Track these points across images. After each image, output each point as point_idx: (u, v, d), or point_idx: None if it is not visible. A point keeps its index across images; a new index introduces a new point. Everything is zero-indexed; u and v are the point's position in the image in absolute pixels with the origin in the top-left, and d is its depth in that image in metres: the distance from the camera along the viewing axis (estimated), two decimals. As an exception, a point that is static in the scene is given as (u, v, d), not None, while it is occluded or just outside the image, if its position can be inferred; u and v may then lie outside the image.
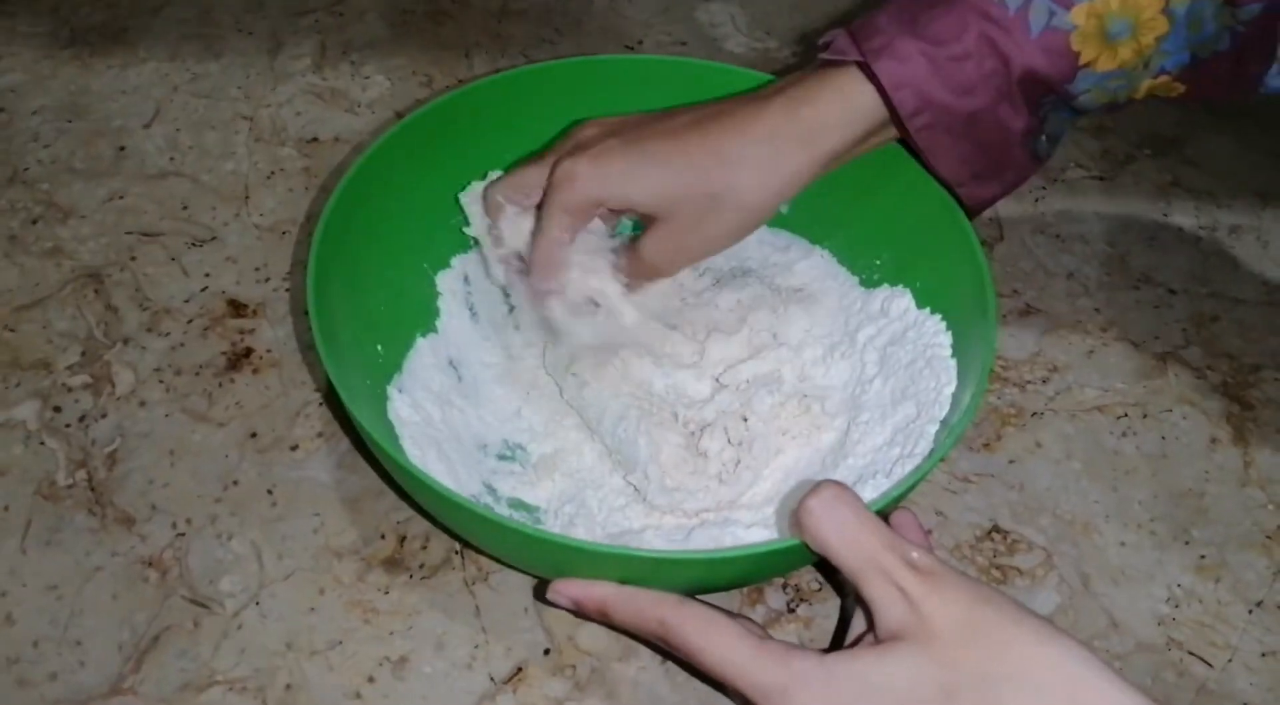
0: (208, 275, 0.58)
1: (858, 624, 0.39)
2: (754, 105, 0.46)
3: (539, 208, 0.49)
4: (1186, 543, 0.50)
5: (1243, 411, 0.55)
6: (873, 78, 0.44)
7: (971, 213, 0.49)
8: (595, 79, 0.55)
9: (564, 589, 0.41)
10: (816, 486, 0.38)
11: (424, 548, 0.48)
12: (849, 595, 0.43)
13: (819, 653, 0.36)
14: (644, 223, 0.48)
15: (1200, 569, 0.50)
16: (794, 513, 0.38)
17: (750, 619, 0.43)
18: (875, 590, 0.36)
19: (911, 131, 0.45)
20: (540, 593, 0.45)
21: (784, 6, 0.77)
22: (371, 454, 0.50)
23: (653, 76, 0.55)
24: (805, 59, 0.73)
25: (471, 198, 0.53)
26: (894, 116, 0.45)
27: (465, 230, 0.54)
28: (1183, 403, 0.56)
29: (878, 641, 0.36)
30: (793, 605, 0.47)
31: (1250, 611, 0.48)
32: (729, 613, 0.40)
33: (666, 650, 0.40)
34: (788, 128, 0.45)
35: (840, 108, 0.45)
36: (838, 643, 0.44)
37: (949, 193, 0.49)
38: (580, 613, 0.42)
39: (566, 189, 0.47)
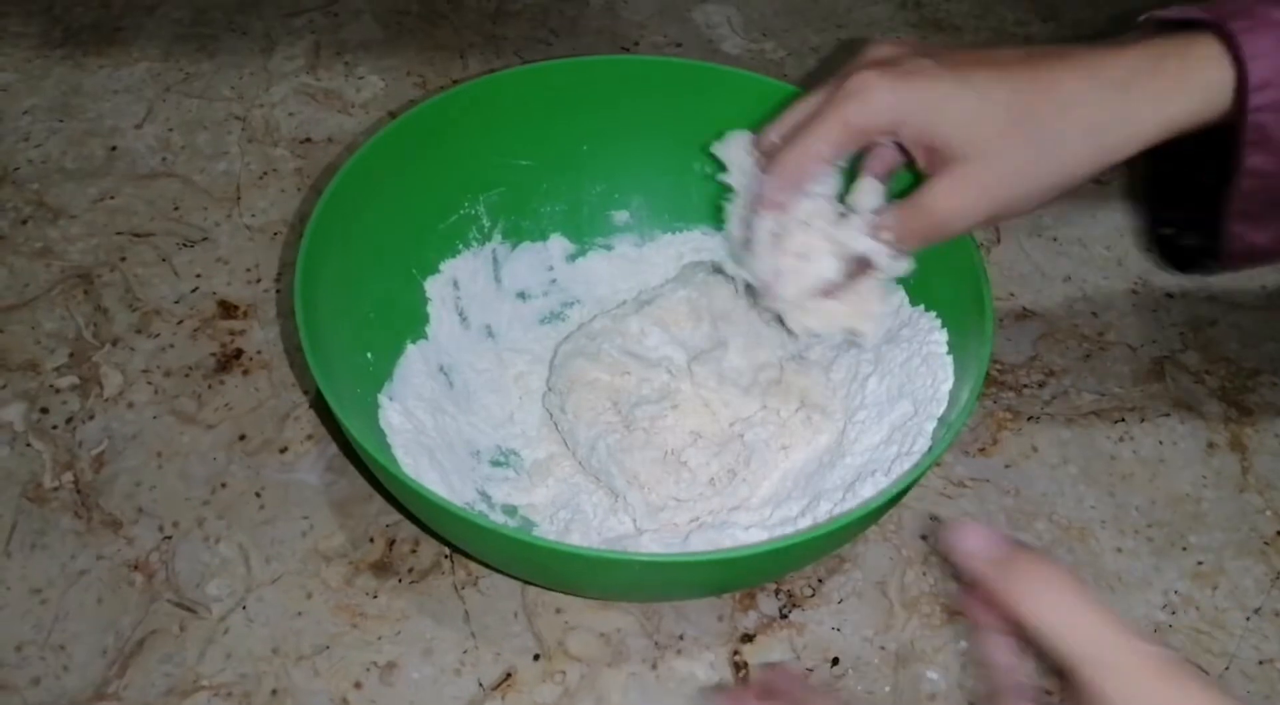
0: (198, 276, 0.58)
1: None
2: (1102, 50, 0.39)
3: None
4: (1184, 549, 0.50)
5: (1240, 416, 0.55)
6: (1231, 47, 0.38)
7: (1227, 264, 0.43)
8: (590, 80, 0.55)
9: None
10: (1026, 560, 0.29)
11: (413, 552, 0.48)
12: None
13: None
14: (927, 169, 0.42)
15: (1197, 575, 0.49)
16: (995, 580, 0.29)
17: None
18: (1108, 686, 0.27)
19: (1249, 109, 0.38)
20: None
21: (780, 8, 0.77)
22: (360, 458, 0.50)
23: (648, 77, 0.55)
24: (797, 61, 0.73)
25: (730, 146, 0.48)
26: (1238, 96, 0.38)
27: (722, 178, 0.48)
28: (1180, 408, 0.55)
29: None
30: (785, 611, 0.47)
31: (1248, 618, 0.48)
32: None
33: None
34: (1148, 80, 0.38)
35: (1195, 79, 0.38)
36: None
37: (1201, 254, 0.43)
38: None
39: (857, 102, 0.40)
